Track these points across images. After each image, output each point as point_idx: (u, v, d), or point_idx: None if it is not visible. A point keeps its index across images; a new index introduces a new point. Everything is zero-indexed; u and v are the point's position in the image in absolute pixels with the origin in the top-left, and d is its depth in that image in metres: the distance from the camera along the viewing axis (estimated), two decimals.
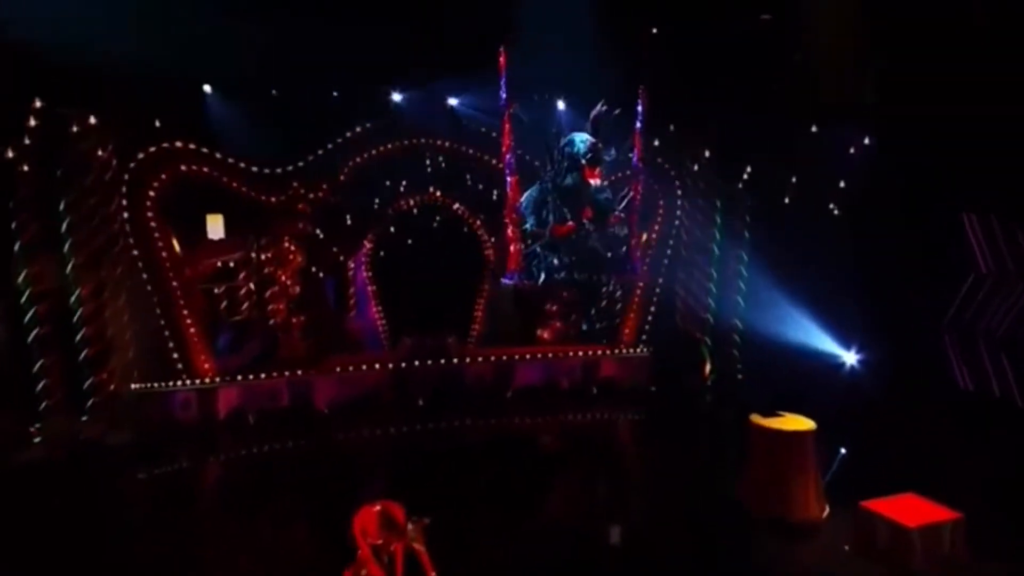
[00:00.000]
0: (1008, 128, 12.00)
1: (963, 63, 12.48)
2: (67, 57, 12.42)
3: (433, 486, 10.87)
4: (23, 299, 13.12)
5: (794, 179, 16.38)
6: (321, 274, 16.41)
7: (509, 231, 14.30)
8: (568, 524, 9.93)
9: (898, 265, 14.70)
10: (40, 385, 13.22)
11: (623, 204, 15.48)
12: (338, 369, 15.18)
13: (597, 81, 14.35)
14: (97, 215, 13.71)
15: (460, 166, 16.68)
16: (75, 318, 13.49)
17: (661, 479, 11.81)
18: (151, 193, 14.13)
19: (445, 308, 16.69)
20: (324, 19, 14.35)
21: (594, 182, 14.02)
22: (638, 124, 14.33)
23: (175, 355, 14.30)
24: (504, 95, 13.62)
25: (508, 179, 14.10)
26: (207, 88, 15.16)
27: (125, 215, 14.00)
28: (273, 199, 15.38)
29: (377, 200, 16.57)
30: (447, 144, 16.34)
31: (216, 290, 15.92)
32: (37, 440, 12.88)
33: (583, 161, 13.89)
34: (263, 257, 15.76)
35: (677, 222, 16.86)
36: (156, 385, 14.17)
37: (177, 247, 14.60)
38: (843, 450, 11.59)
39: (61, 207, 13.33)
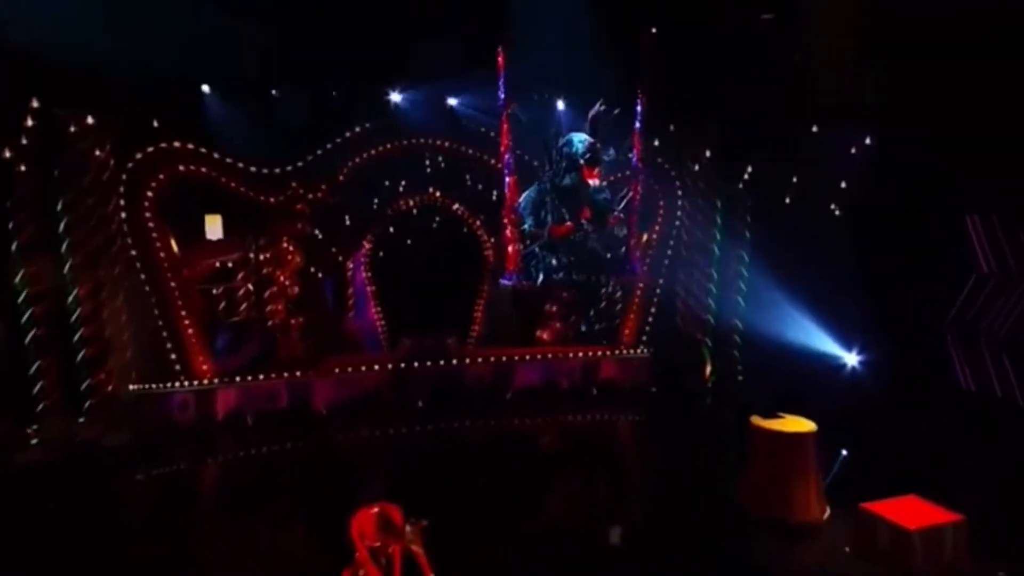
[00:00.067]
0: (1009, 128, 11.94)
1: (963, 63, 12.44)
2: (65, 57, 12.44)
3: (432, 487, 10.81)
4: (20, 299, 13.11)
5: (795, 179, 16.30)
6: (320, 275, 16.40)
7: (507, 231, 14.26)
8: (568, 525, 9.89)
9: (899, 265, 14.64)
10: (37, 386, 13.21)
11: (622, 204, 15.44)
12: (337, 370, 15.13)
13: (596, 81, 14.32)
14: (95, 215, 13.70)
15: (460, 166, 16.65)
16: (73, 319, 13.47)
17: (661, 480, 11.76)
18: (149, 193, 14.11)
19: (444, 309, 16.66)
20: (323, 19, 14.32)
21: (593, 182, 13.98)
22: (637, 124, 14.28)
23: (173, 356, 14.24)
24: (503, 95, 13.58)
25: (506, 179, 14.06)
26: (205, 88, 15.11)
27: (123, 215, 13.97)
28: (272, 199, 15.36)
29: (376, 200, 16.56)
30: (446, 144, 16.31)
31: (214, 291, 15.94)
32: (34, 442, 12.84)
33: (581, 161, 13.85)
34: (262, 257, 15.76)
35: (677, 222, 16.80)
36: (154, 386, 14.12)
37: (175, 247, 14.58)
38: (844, 452, 11.52)
39: (59, 207, 13.33)
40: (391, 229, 16.81)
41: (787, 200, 16.40)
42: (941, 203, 13.98)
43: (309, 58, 14.64)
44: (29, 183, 13.11)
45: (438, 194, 16.83)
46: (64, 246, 13.38)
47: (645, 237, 16.62)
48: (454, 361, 15.71)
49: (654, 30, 14.33)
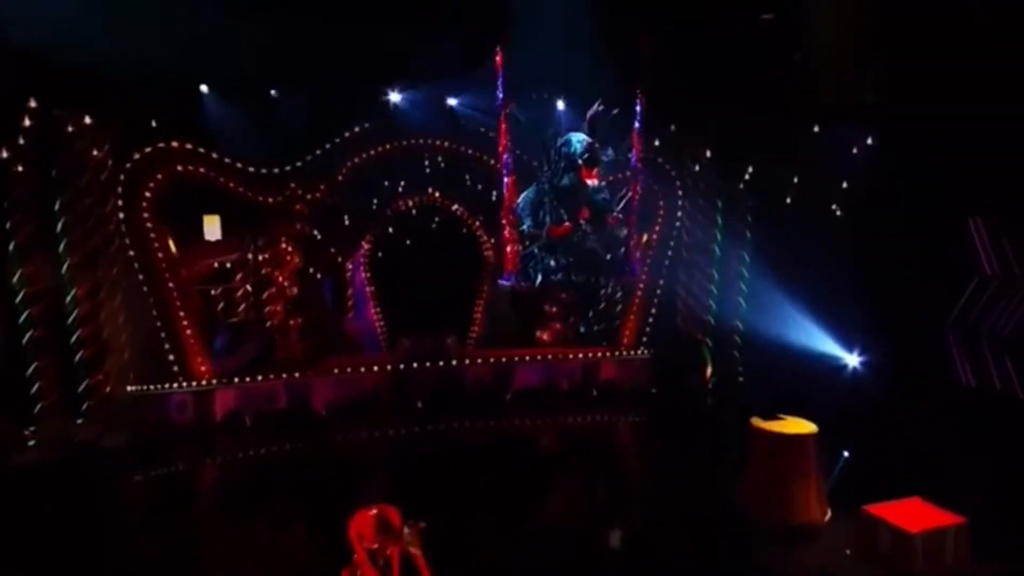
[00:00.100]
0: (1010, 128, 11.89)
1: (964, 63, 12.41)
2: (63, 57, 12.40)
3: (432, 488, 10.76)
4: (18, 300, 13.08)
5: (796, 180, 16.26)
6: (319, 275, 16.37)
7: (506, 232, 14.21)
8: (568, 527, 9.88)
9: (900, 266, 14.60)
10: (35, 387, 13.20)
11: (621, 205, 15.39)
12: (336, 371, 15.08)
13: (596, 81, 14.28)
14: (92, 215, 13.69)
15: (459, 166, 16.60)
16: (70, 319, 13.44)
17: (661, 482, 11.74)
18: (147, 193, 14.08)
19: (444, 309, 16.58)
20: (322, 19, 14.28)
21: (591, 182, 13.93)
22: (636, 124, 14.24)
23: (171, 357, 14.18)
24: (501, 95, 13.53)
25: (505, 179, 14.02)
26: (204, 88, 15.05)
27: (121, 215, 13.94)
28: (270, 200, 15.32)
29: (375, 201, 16.52)
30: (446, 144, 16.26)
31: (213, 291, 15.95)
32: (32, 443, 12.83)
33: (580, 161, 13.80)
34: (260, 258, 15.73)
35: (678, 223, 16.74)
36: (152, 387, 14.06)
37: (173, 248, 14.54)
38: (846, 453, 11.47)
39: (56, 207, 13.31)
40: (390, 229, 16.79)
41: (788, 200, 16.34)
42: (942, 204, 13.92)
43: (308, 58, 14.61)
44: (27, 183, 13.09)
45: (437, 194, 16.80)
46: (62, 246, 13.36)
47: (645, 237, 16.59)
48: (453, 362, 15.66)
49: (653, 30, 14.28)
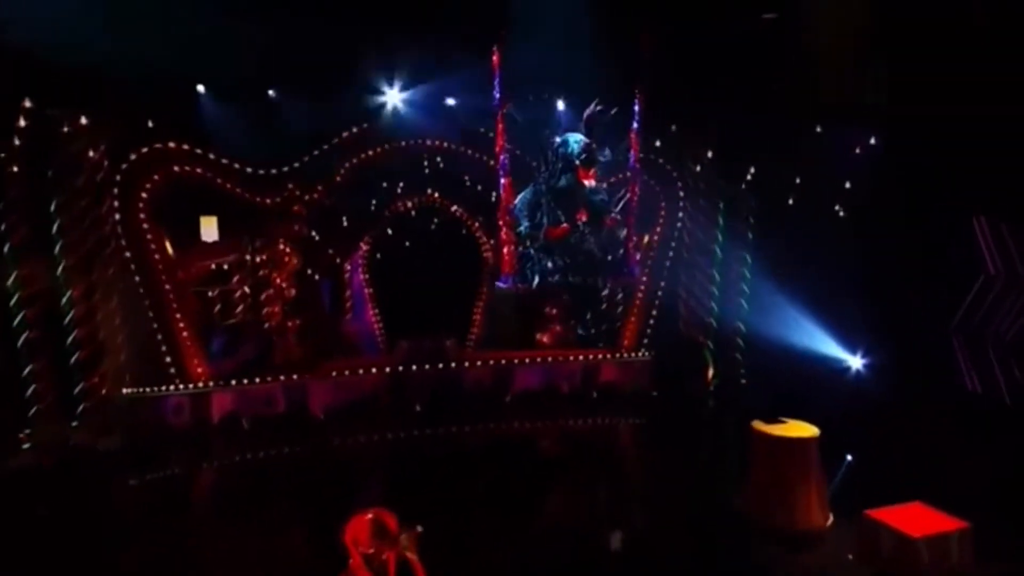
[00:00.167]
0: (1012, 128, 11.89)
1: (964, 63, 12.45)
2: (60, 57, 12.34)
3: (431, 492, 10.76)
4: (13, 302, 13.01)
5: (798, 180, 16.19)
6: (317, 277, 16.24)
7: (503, 233, 14.12)
8: (568, 530, 9.82)
9: (904, 267, 14.57)
10: (30, 389, 13.12)
11: (620, 206, 15.29)
12: (334, 373, 15.01)
13: (596, 81, 14.21)
14: (88, 217, 13.58)
15: (459, 167, 16.49)
16: (66, 321, 13.34)
17: (662, 485, 11.65)
18: (143, 195, 13.99)
19: (443, 311, 16.46)
20: (321, 19, 14.20)
21: (588, 183, 13.86)
22: (635, 124, 14.15)
23: (168, 359, 14.12)
24: (498, 95, 13.45)
25: (501, 180, 13.93)
26: (200, 88, 14.97)
27: (117, 217, 13.85)
28: (268, 201, 15.22)
29: (374, 202, 16.43)
30: (445, 145, 16.16)
31: (210, 293, 15.85)
32: (27, 446, 12.75)
33: (577, 162, 13.73)
34: (258, 259, 15.60)
35: (679, 224, 16.66)
36: (148, 389, 13.98)
37: (170, 249, 14.45)
38: (849, 457, 11.37)
39: (52, 208, 13.21)
40: (389, 231, 16.72)
41: (790, 201, 16.29)
42: (945, 204, 13.90)
43: (306, 58, 14.52)
44: (22, 184, 13.00)
45: (436, 195, 16.71)
46: (57, 248, 13.26)
47: (646, 239, 16.52)
48: (453, 364, 15.60)
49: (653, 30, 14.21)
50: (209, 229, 15.29)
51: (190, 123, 14.73)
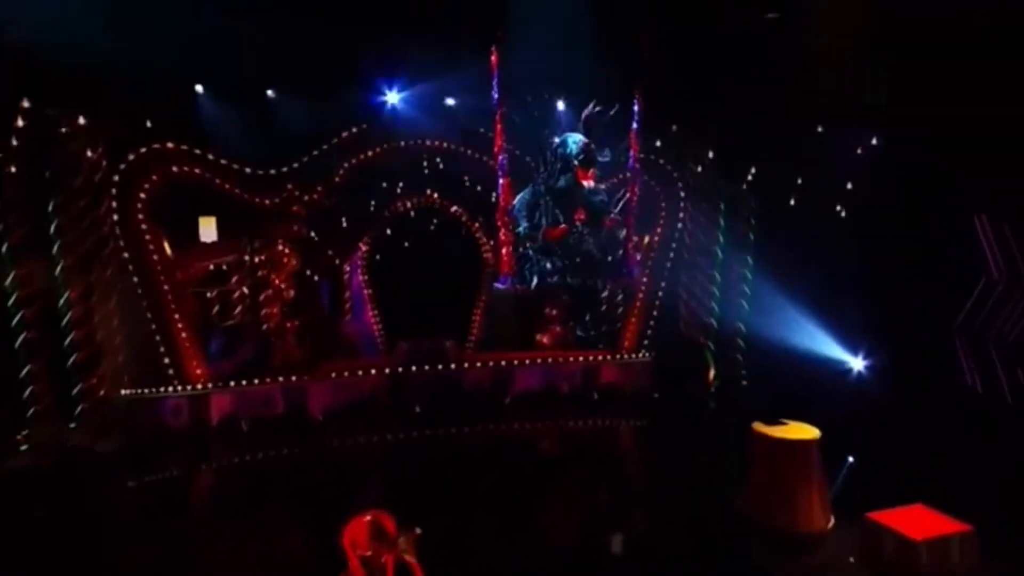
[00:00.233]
0: (1012, 128, 11.90)
1: (965, 63, 12.47)
2: (58, 57, 12.37)
3: (430, 493, 10.73)
4: (11, 302, 12.99)
5: (799, 180, 16.16)
6: (316, 277, 16.17)
7: (501, 234, 14.08)
8: (568, 533, 9.83)
9: (905, 267, 14.56)
10: (28, 391, 13.09)
11: (619, 206, 15.24)
12: (333, 374, 14.97)
13: (595, 80, 14.20)
14: (86, 217, 13.54)
15: (459, 167, 16.45)
16: (64, 322, 13.31)
17: (663, 487, 11.61)
18: (142, 195, 13.92)
19: (442, 312, 16.45)
20: (318, 19, 14.20)
21: (587, 184, 13.83)
22: (634, 124, 14.10)
23: (166, 360, 14.04)
24: (496, 95, 13.41)
25: (500, 181, 13.88)
26: (199, 88, 14.93)
27: (115, 217, 13.78)
28: (267, 201, 15.17)
29: (373, 202, 16.38)
30: (444, 145, 16.12)
31: (208, 294, 15.84)
32: (24, 447, 12.72)
33: (575, 162, 13.70)
34: (257, 260, 15.53)
35: (680, 224, 16.60)
36: (146, 391, 13.92)
37: (168, 250, 14.39)
38: (851, 459, 11.32)
39: (50, 209, 13.18)
40: (388, 231, 16.67)
41: (791, 202, 16.26)
42: (946, 204, 13.89)
43: (305, 58, 14.52)
44: (20, 184, 12.97)
45: (436, 196, 16.66)
46: (55, 248, 13.23)
47: (647, 239, 16.48)
48: (452, 365, 15.55)
49: (651, 33, 14.19)
50: (208, 230, 15.22)
51: (189, 123, 14.75)
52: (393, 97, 15.85)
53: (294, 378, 14.72)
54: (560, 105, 15.51)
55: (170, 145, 14.27)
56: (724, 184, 16.36)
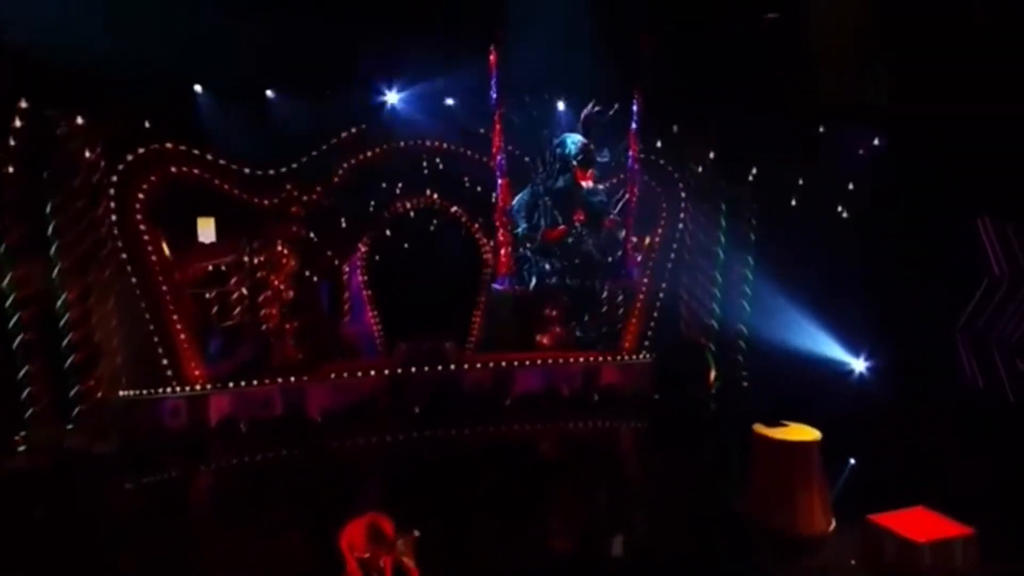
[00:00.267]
0: (1015, 128, 11.90)
1: (967, 63, 12.45)
2: (57, 57, 12.32)
3: (430, 495, 10.69)
4: (8, 303, 12.95)
5: (800, 181, 16.11)
6: (315, 278, 16.16)
7: (500, 235, 14.03)
8: (568, 535, 9.85)
9: (907, 268, 14.53)
10: (25, 392, 13.05)
11: (618, 207, 15.19)
12: (332, 376, 14.94)
13: (595, 81, 14.15)
14: (84, 218, 13.52)
15: (458, 168, 16.40)
16: (61, 323, 13.28)
17: (663, 489, 11.57)
18: (140, 195, 13.89)
19: (442, 313, 16.39)
20: (320, 19, 14.15)
21: (586, 184, 13.79)
22: (633, 124, 14.05)
23: (164, 361, 14.01)
24: (495, 95, 13.36)
25: (499, 181, 13.83)
26: (198, 88, 14.89)
27: (113, 218, 13.76)
28: (266, 202, 15.15)
29: (372, 203, 16.34)
30: (444, 145, 16.08)
31: (207, 294, 15.81)
32: (21, 449, 12.68)
33: (574, 163, 13.66)
34: (255, 261, 15.57)
35: (681, 225, 16.55)
36: (145, 392, 13.88)
37: (167, 250, 14.35)
38: (852, 461, 11.27)
39: (48, 210, 13.16)
40: (388, 232, 16.61)
41: (792, 202, 16.21)
42: (947, 205, 13.86)
43: (304, 58, 14.48)
44: (17, 185, 12.93)
45: (436, 196, 16.61)
46: (53, 249, 13.20)
47: (648, 240, 16.44)
48: (452, 366, 15.51)
49: (651, 33, 14.16)
50: (206, 230, 15.22)
51: (188, 123, 14.70)
52: (392, 97, 15.81)
53: (293, 379, 14.67)
54: (560, 105, 15.49)
55: (169, 145, 14.25)
56: (725, 184, 16.32)
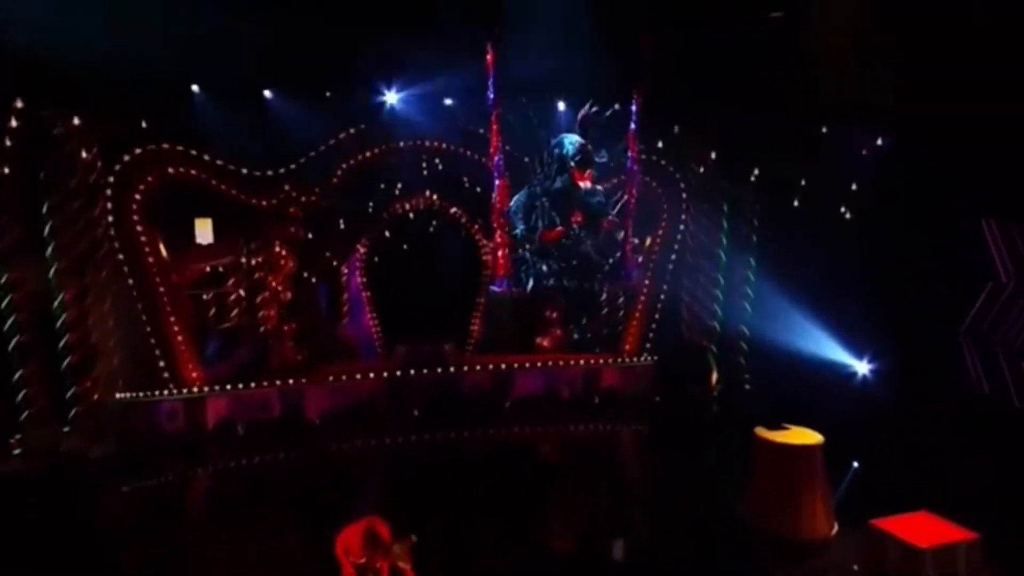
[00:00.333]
0: (1016, 129, 11.88)
1: (972, 64, 12.46)
2: (51, 56, 12.26)
3: (429, 498, 10.69)
4: (4, 305, 12.92)
5: (803, 182, 16.05)
6: (313, 280, 16.12)
7: (497, 236, 13.96)
8: (568, 539, 9.87)
9: (911, 270, 14.49)
10: (21, 394, 13.00)
11: (617, 208, 15.11)
12: (331, 378, 14.91)
13: (595, 80, 14.08)
14: (81, 218, 13.45)
15: (458, 168, 16.33)
16: (58, 325, 13.21)
17: (664, 492, 11.56)
18: (137, 196, 13.84)
19: (442, 315, 16.40)
20: (316, 19, 14.07)
21: (584, 185, 13.70)
22: (632, 125, 13.98)
23: (161, 363, 13.97)
24: (492, 95, 13.28)
25: (496, 182, 13.76)
26: (195, 88, 14.83)
27: (110, 218, 13.70)
28: (264, 202, 15.08)
29: (371, 204, 16.25)
30: (443, 146, 16.02)
31: (205, 296, 15.72)
32: (17, 451, 12.64)
33: (572, 163, 13.60)
34: (253, 262, 15.55)
35: (682, 226, 16.49)
36: (141, 394, 13.84)
37: (164, 251, 14.31)
38: (855, 464, 11.19)
39: (44, 210, 13.08)
40: (387, 233, 16.54)
41: (795, 203, 16.15)
42: (950, 206, 13.83)
43: (303, 58, 14.40)
44: (14, 185, 12.88)
45: (435, 197, 16.54)
46: (49, 250, 13.14)
47: (648, 241, 16.36)
48: (451, 369, 15.46)
49: (651, 33, 14.11)
50: (204, 231, 15.17)
51: (185, 124, 14.61)
52: (392, 97, 15.72)
53: (291, 381, 14.62)
54: (561, 106, 15.42)
55: (166, 146, 14.19)
56: (727, 185, 16.25)
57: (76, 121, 13.30)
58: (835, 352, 15.45)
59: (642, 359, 16.27)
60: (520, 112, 13.80)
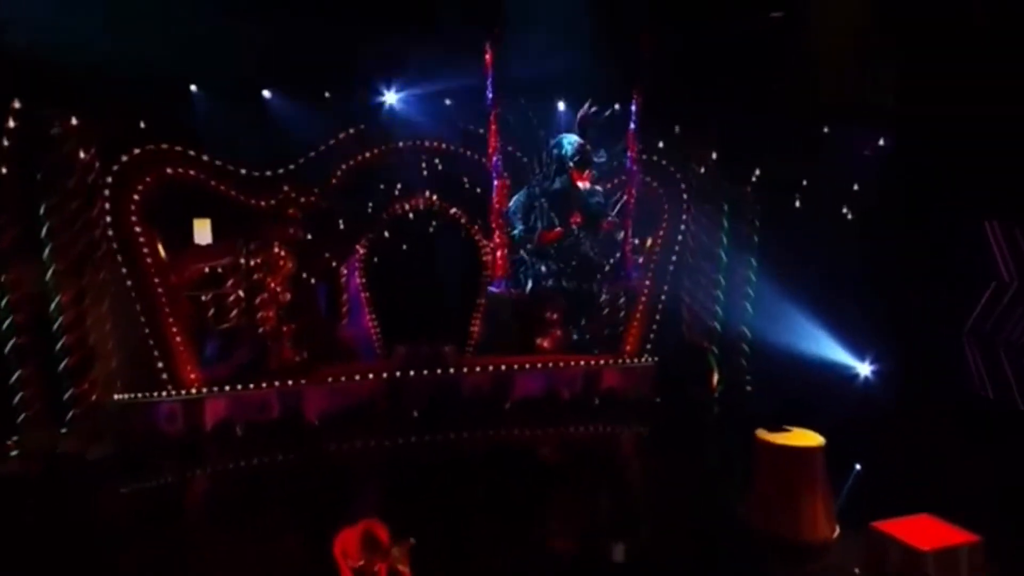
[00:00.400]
0: (1018, 129, 11.85)
1: (973, 64, 12.45)
2: (49, 56, 12.23)
3: (428, 500, 10.67)
4: (1, 306, 12.86)
5: (804, 182, 16.01)
6: (313, 280, 16.08)
7: (496, 237, 13.92)
8: (569, 541, 9.81)
9: (913, 271, 14.47)
10: (18, 396, 12.94)
11: (616, 208, 15.07)
12: (330, 379, 14.87)
13: (595, 80, 14.07)
14: (79, 219, 13.39)
15: (458, 169, 16.30)
16: (56, 326, 13.15)
17: (665, 494, 11.54)
18: (135, 196, 13.77)
19: (441, 316, 16.40)
20: (316, 19, 14.06)
21: (583, 185, 13.68)
22: (632, 125, 13.94)
23: (160, 364, 13.90)
24: (491, 95, 13.24)
25: (495, 182, 13.72)
26: (194, 88, 14.79)
27: (108, 219, 13.64)
28: (263, 203, 15.03)
29: (371, 204, 16.23)
30: (443, 146, 15.98)
31: (203, 297, 15.65)
32: (14, 453, 12.59)
33: (571, 164, 13.57)
34: (252, 263, 15.49)
35: (683, 227, 16.46)
36: (140, 396, 13.78)
37: (162, 252, 14.26)
38: (857, 466, 11.15)
39: (41, 211, 13.02)
40: (386, 234, 16.51)
41: (796, 204, 16.11)
42: (954, 207, 13.79)
43: (302, 58, 14.38)
44: (11, 186, 12.81)
45: (435, 197, 16.51)
46: (47, 251, 13.08)
47: (649, 242, 16.34)
48: (451, 370, 15.42)
49: (651, 33, 14.08)
50: (203, 232, 15.14)
51: (184, 124, 14.59)
52: (391, 97, 15.69)
53: (290, 382, 14.57)
54: (560, 106, 15.39)
55: (164, 146, 14.14)
56: (727, 185, 16.22)
57: (74, 121, 13.22)
58: (837, 353, 15.40)
59: (643, 360, 16.22)
60: (519, 112, 13.78)
